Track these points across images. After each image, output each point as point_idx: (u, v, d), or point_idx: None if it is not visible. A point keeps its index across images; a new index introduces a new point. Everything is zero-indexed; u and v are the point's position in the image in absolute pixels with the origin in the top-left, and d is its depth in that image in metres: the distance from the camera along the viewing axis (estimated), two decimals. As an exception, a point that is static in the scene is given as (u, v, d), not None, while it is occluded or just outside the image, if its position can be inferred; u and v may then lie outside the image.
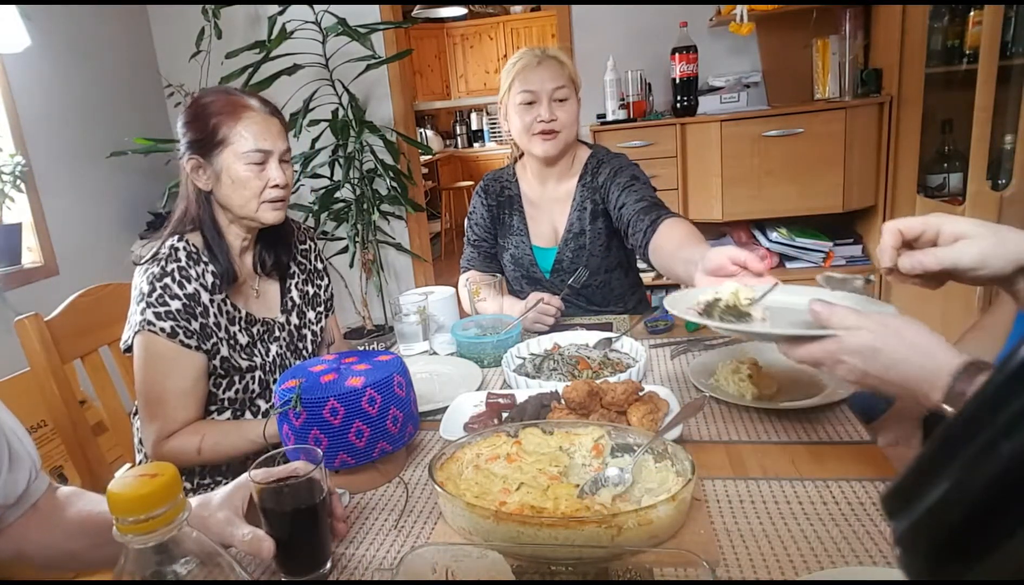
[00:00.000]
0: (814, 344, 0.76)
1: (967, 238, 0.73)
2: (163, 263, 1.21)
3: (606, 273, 1.68)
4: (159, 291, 1.18)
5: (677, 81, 2.81)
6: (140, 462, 1.31)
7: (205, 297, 1.23)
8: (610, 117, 2.92)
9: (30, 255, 2.84)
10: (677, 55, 2.78)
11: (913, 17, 2.48)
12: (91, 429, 1.34)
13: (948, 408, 0.69)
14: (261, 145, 1.23)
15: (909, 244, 0.78)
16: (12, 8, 2.54)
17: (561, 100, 1.56)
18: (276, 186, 1.25)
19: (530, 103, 1.56)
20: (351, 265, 3.41)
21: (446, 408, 1.10)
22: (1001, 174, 2.51)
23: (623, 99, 2.95)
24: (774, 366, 1.14)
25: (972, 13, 2.41)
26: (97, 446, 1.34)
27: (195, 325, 1.20)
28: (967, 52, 2.47)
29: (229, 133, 1.22)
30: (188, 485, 1.28)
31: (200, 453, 1.19)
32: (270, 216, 1.27)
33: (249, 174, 1.23)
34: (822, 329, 0.76)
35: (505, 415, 1.04)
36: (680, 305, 0.94)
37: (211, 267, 1.25)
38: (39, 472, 0.89)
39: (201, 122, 1.23)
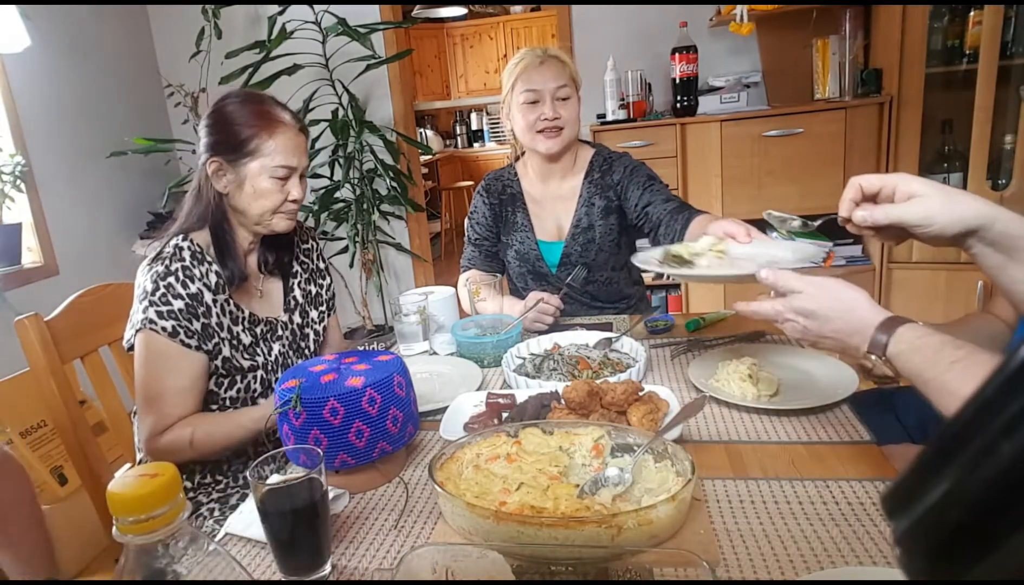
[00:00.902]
0: (764, 303, 0.88)
1: (918, 197, 0.78)
2: (167, 262, 1.21)
3: (613, 271, 1.70)
4: (162, 290, 1.18)
5: (677, 81, 2.81)
6: (140, 462, 1.31)
7: (208, 297, 1.23)
8: (610, 117, 2.92)
9: (30, 255, 2.84)
10: (677, 55, 2.78)
11: (913, 17, 2.48)
12: (91, 429, 1.34)
13: (873, 357, 0.78)
14: (289, 161, 1.25)
15: (872, 198, 0.83)
16: (12, 8, 2.54)
17: (564, 98, 1.59)
18: (294, 200, 1.28)
19: (534, 102, 1.58)
20: (351, 265, 3.41)
21: (446, 408, 1.11)
22: (1001, 174, 2.51)
23: (623, 99, 2.95)
24: (774, 366, 1.14)
25: (972, 13, 2.42)
26: (97, 446, 1.34)
27: (196, 325, 1.20)
28: (967, 52, 2.47)
29: (261, 145, 1.23)
30: (188, 484, 1.28)
31: (192, 444, 1.19)
32: (282, 225, 1.30)
33: (273, 187, 1.25)
34: (746, 272, 0.94)
35: (505, 415, 1.04)
36: (641, 257, 1.19)
37: (215, 267, 1.25)
38: None
39: (233, 128, 1.23)
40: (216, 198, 1.26)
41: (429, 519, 0.86)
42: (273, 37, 2.94)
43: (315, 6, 3.07)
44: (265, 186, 1.24)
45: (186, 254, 1.23)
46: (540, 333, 1.43)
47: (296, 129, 1.27)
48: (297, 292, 1.41)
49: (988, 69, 2.36)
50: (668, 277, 3.03)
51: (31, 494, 1.07)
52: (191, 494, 1.27)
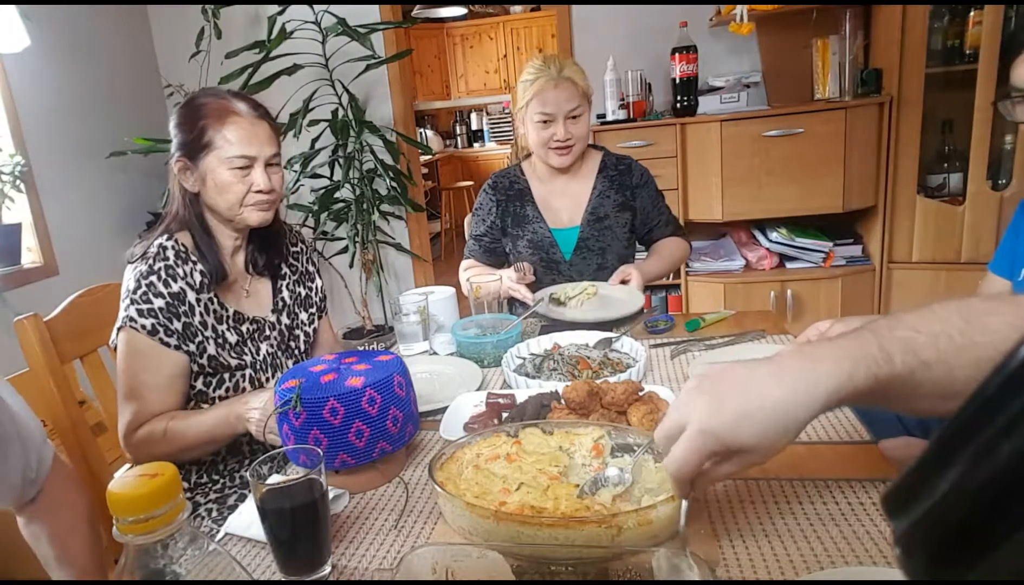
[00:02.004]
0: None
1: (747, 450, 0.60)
2: (151, 262, 1.21)
3: (622, 263, 1.75)
4: (144, 289, 1.19)
5: (677, 81, 2.80)
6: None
7: (191, 296, 1.23)
8: (610, 117, 2.92)
9: (30, 255, 2.84)
10: (677, 55, 2.77)
11: (913, 17, 2.48)
12: (91, 429, 1.34)
13: None
14: (245, 151, 1.22)
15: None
16: (12, 8, 2.54)
17: (576, 117, 1.68)
18: (260, 191, 1.25)
19: (547, 122, 1.67)
20: (351, 265, 3.41)
21: (446, 408, 1.11)
22: (1001, 174, 2.51)
23: (623, 99, 2.95)
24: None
25: (972, 13, 2.42)
26: (97, 446, 1.34)
27: (177, 325, 1.20)
28: (967, 52, 2.47)
29: (214, 137, 1.21)
30: (185, 484, 1.28)
31: (165, 433, 1.18)
32: (255, 218, 1.28)
33: (233, 179, 1.23)
34: (618, 314, 1.28)
35: (505, 415, 1.04)
36: (536, 296, 1.57)
37: (199, 266, 1.25)
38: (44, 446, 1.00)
39: (189, 124, 1.23)
40: (188, 197, 1.26)
41: (429, 519, 0.86)
42: (273, 37, 2.94)
43: (315, 6, 3.07)
44: (225, 178, 1.22)
45: (170, 253, 1.23)
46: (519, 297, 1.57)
47: (253, 117, 1.24)
48: (285, 293, 1.41)
49: (988, 69, 2.36)
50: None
51: (92, 513, 1.08)
52: (188, 494, 1.27)
